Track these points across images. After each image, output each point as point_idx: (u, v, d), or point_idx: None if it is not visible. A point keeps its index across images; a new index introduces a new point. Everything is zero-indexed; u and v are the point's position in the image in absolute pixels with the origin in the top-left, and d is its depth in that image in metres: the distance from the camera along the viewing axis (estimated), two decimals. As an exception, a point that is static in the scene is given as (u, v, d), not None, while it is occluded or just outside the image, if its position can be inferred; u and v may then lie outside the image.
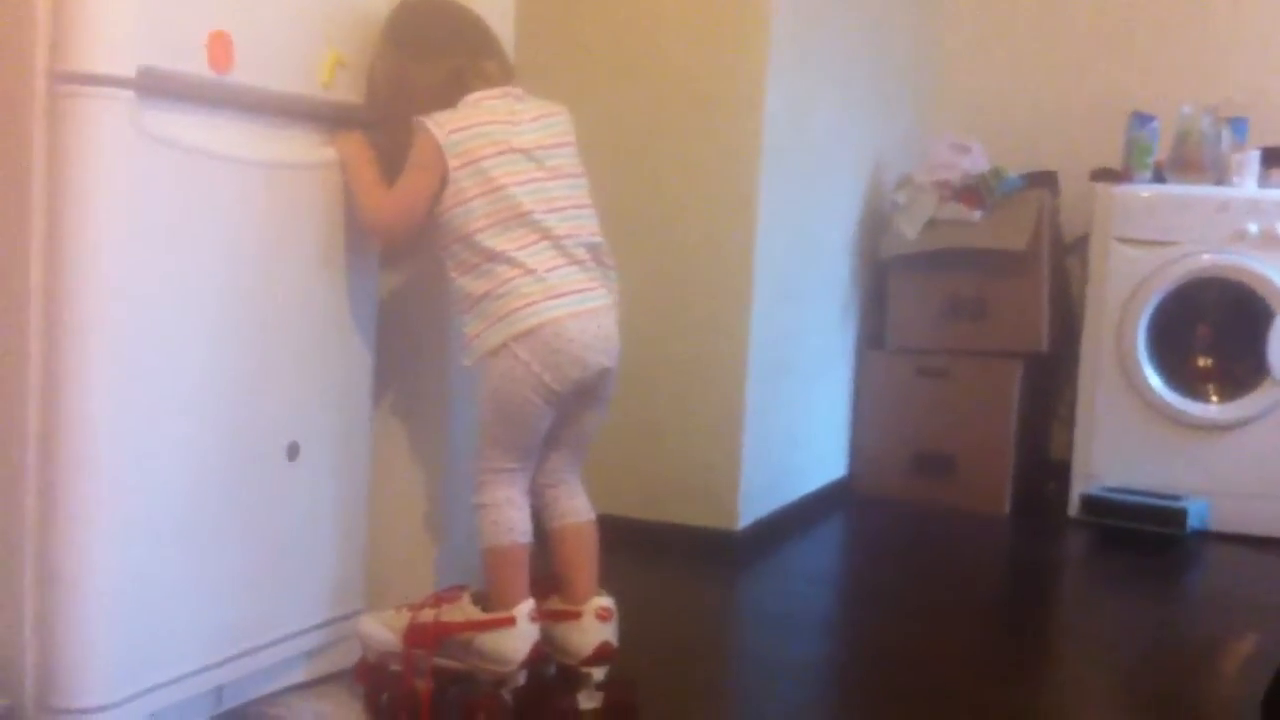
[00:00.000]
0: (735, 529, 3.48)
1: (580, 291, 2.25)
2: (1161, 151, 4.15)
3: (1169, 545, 3.83)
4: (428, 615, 2.29)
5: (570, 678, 2.34)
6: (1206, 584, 3.75)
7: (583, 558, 2.39)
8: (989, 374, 4.16)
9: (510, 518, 2.28)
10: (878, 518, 4.13)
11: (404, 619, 2.30)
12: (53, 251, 1.82)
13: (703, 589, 3.27)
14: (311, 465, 2.27)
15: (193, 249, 2.00)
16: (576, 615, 2.34)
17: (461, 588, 2.35)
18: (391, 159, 2.29)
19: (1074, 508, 4.09)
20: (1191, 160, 4.09)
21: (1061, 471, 4.22)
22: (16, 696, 1.89)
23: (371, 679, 2.32)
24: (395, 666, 2.29)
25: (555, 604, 2.36)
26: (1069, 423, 4.23)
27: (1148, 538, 3.85)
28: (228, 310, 2.08)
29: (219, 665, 2.13)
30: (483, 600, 2.28)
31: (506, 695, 2.25)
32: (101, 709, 1.91)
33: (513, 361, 2.21)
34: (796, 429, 3.89)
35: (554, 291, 2.21)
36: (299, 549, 2.28)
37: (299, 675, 2.33)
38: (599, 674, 2.32)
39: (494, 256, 2.21)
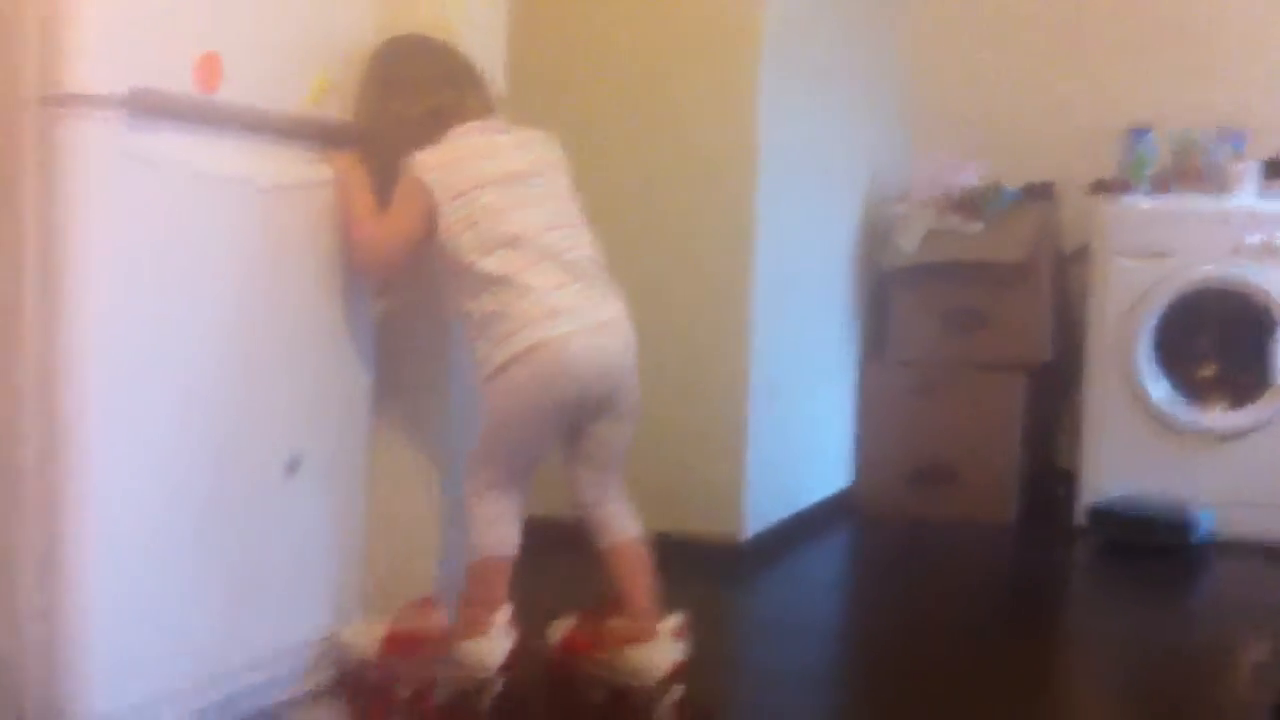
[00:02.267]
0: (740, 540, 3.50)
1: (582, 308, 2.26)
2: (1160, 164, 4.16)
3: (1176, 555, 3.82)
4: (403, 625, 2.33)
5: (635, 700, 2.32)
6: (1215, 592, 3.73)
7: (639, 574, 2.38)
8: (992, 386, 4.17)
9: (501, 532, 2.31)
10: (883, 529, 4.13)
11: (382, 628, 2.34)
12: (46, 272, 1.84)
13: (709, 600, 3.24)
14: (310, 481, 2.29)
15: (186, 268, 2.02)
16: (653, 634, 2.33)
17: (434, 597, 2.38)
18: (383, 183, 2.32)
19: (1080, 518, 4.08)
20: (1190, 172, 4.10)
21: (1067, 482, 4.22)
22: (18, 706, 1.91)
23: (350, 688, 2.36)
24: (373, 675, 2.32)
25: (623, 626, 2.35)
26: (1074, 433, 4.23)
27: (1155, 547, 3.84)
28: (222, 328, 2.10)
29: (217, 679, 2.14)
30: (461, 608, 2.31)
31: (484, 703, 2.27)
32: (98, 722, 1.93)
33: (512, 382, 2.23)
34: (800, 441, 3.90)
35: (555, 311, 2.23)
36: (298, 563, 2.30)
37: (298, 689, 2.34)
38: (679, 691, 2.31)
39: (495, 280, 2.23)
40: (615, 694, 2.33)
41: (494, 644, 2.25)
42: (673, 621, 2.35)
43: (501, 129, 2.35)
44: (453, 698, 2.28)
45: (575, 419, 2.31)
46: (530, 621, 2.38)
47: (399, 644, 2.31)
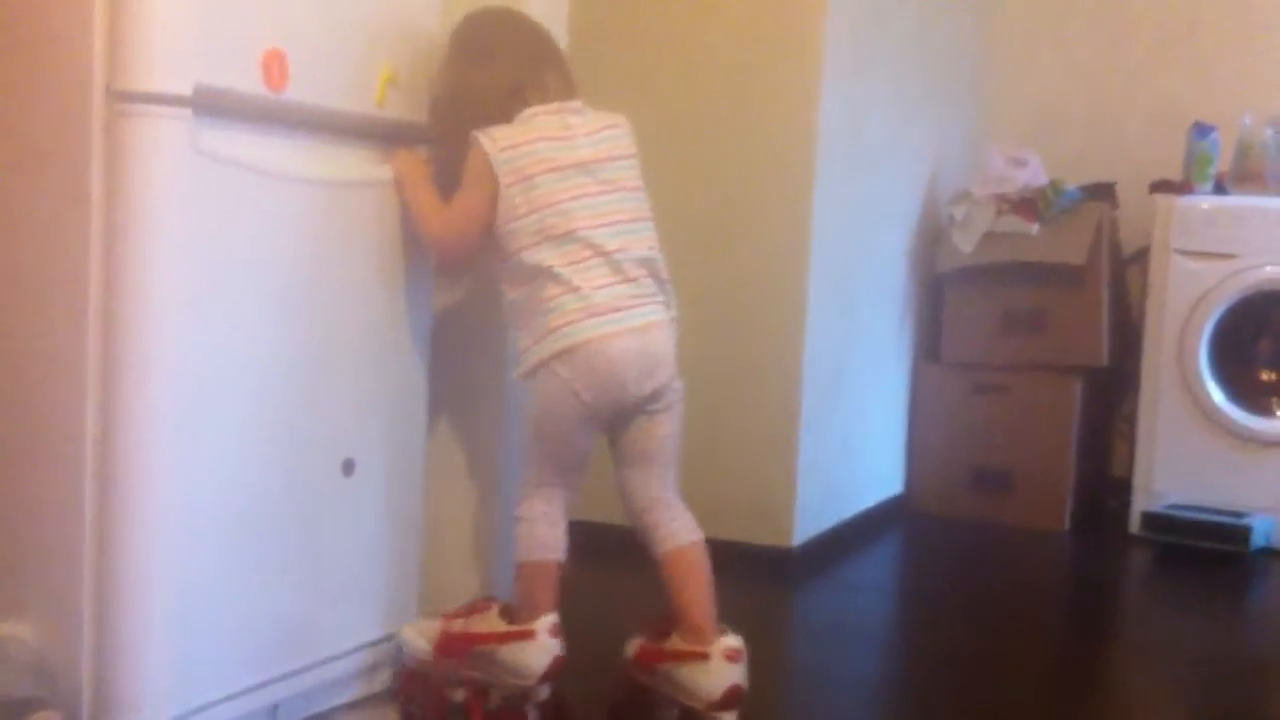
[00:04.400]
0: (791, 545, 3.46)
1: (627, 309, 2.22)
2: (1222, 163, 4.10)
3: (1233, 563, 3.78)
4: (457, 625, 2.31)
5: None
6: (1271, 602, 3.69)
7: (693, 584, 2.27)
8: (1048, 388, 4.12)
9: (543, 534, 2.28)
10: (935, 534, 4.10)
11: (437, 628, 2.32)
12: (111, 268, 1.84)
13: (759, 605, 3.24)
14: (367, 481, 2.27)
15: (249, 266, 2.01)
16: (704, 656, 2.20)
17: (491, 600, 2.35)
18: (449, 174, 2.29)
19: (1135, 525, 4.03)
20: (1253, 172, 4.04)
21: (1122, 488, 4.17)
22: (73, 709, 1.89)
23: (408, 687, 2.34)
24: (432, 675, 2.31)
25: (677, 643, 2.24)
26: (1130, 438, 4.17)
27: (1211, 555, 3.80)
28: (284, 327, 2.08)
29: (274, 681, 2.13)
30: (510, 613, 2.27)
31: (531, 710, 2.24)
32: (157, 724, 1.91)
33: (553, 379, 2.21)
34: (852, 445, 3.86)
35: (597, 310, 2.19)
36: (354, 564, 2.29)
37: (355, 691, 2.34)
38: (729, 718, 2.19)
39: (541, 273, 2.20)
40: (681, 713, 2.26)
41: (537, 651, 2.21)
42: (728, 642, 2.22)
43: (577, 110, 2.30)
44: (504, 703, 2.26)
45: (615, 419, 2.27)
46: (604, 632, 2.35)
47: (452, 645, 2.29)
